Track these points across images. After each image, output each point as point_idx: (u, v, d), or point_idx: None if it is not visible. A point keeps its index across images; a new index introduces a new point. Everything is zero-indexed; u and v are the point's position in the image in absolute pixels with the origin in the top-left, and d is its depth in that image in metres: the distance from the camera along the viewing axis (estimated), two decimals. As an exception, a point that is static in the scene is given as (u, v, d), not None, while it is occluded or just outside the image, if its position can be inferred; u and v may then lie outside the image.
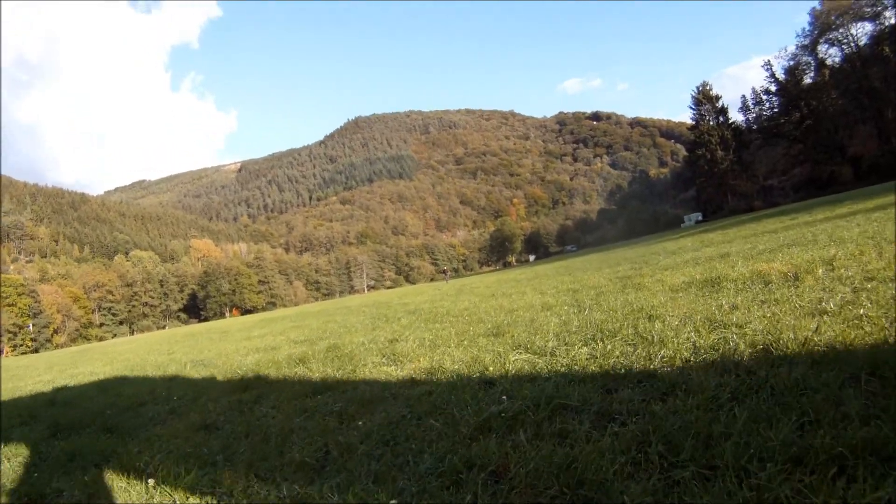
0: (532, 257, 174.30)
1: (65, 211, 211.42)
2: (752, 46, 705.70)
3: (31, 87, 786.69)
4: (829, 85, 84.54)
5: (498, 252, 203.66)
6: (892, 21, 76.45)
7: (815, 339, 4.03)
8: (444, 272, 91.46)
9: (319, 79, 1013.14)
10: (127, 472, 4.39)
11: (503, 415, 3.71)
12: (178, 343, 26.96)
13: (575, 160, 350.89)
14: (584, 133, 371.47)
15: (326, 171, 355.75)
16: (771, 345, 4.11)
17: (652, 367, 4.23)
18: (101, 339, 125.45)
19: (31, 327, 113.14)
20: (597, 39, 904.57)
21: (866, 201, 22.39)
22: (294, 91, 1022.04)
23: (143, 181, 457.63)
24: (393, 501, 2.94)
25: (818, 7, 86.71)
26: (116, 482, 4.21)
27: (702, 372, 3.80)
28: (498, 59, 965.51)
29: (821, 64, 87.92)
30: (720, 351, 4.28)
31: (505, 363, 5.36)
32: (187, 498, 3.65)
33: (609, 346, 5.17)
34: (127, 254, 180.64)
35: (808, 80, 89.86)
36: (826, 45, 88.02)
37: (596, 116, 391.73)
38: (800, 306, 5.36)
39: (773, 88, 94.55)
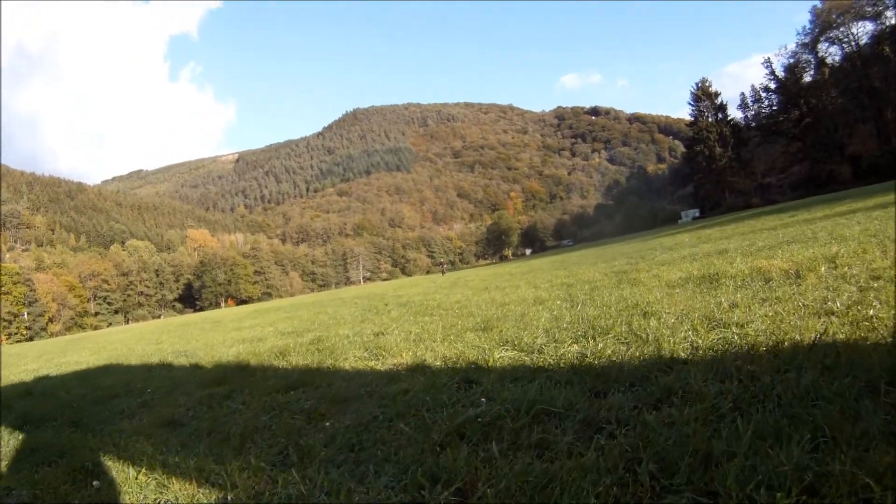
0: (528, 251, 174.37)
1: (61, 200, 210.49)
2: (753, 44, 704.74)
3: (30, 77, 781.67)
4: (829, 83, 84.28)
5: (494, 245, 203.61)
6: (893, 21, 76.28)
7: (824, 341, 3.71)
8: (441, 265, 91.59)
9: (318, 70, 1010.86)
10: (75, 472, 4.10)
11: (479, 420, 3.38)
12: (168, 333, 26.61)
13: (573, 155, 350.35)
14: (583, 128, 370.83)
15: (324, 163, 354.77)
16: (776, 347, 3.80)
17: (646, 368, 3.91)
18: (96, 328, 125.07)
19: (25, 316, 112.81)
20: (597, 35, 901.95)
21: (866, 200, 22.11)
22: (293, 82, 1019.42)
23: (141, 171, 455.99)
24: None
25: (819, 5, 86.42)
26: (61, 484, 3.89)
27: (700, 376, 3.46)
28: (497, 53, 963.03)
29: (821, 62, 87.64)
30: (720, 352, 3.95)
31: (489, 361, 5.06)
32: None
33: (601, 345, 4.86)
34: (123, 243, 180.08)
35: (807, 78, 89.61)
36: (826, 44, 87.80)
37: (594, 111, 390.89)
38: (804, 305, 5.06)
39: (772, 86, 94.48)
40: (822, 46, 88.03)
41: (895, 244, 7.66)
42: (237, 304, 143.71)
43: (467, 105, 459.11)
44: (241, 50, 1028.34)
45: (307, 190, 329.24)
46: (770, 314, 4.90)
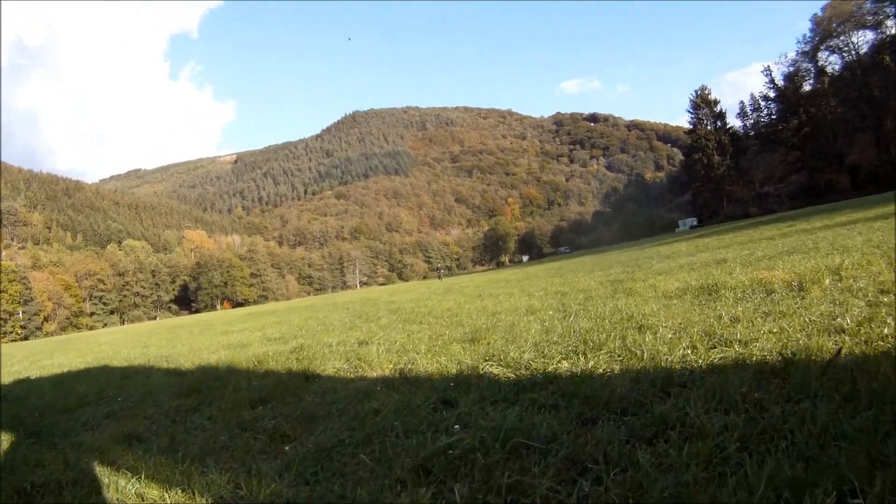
0: (525, 257, 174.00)
1: (59, 198, 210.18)
2: (752, 53, 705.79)
3: (29, 74, 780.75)
4: (829, 92, 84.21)
5: (491, 251, 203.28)
6: (894, 30, 76.23)
7: (837, 363, 3.35)
8: (438, 270, 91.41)
9: (318, 72, 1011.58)
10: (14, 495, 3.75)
11: (450, 452, 3.00)
12: (158, 336, 26.34)
13: (571, 161, 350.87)
14: (581, 134, 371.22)
15: (322, 165, 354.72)
16: (784, 370, 3.45)
17: (640, 392, 3.55)
18: (91, 328, 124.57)
19: (20, 314, 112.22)
20: (597, 41, 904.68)
21: (866, 210, 21.83)
22: (292, 84, 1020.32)
23: (139, 170, 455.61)
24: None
25: (819, 14, 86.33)
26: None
27: (701, 404, 3.09)
28: (497, 58, 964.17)
29: (821, 71, 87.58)
30: (722, 375, 3.57)
31: (471, 378, 4.69)
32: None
33: (591, 363, 4.50)
34: (120, 243, 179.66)
35: (807, 87, 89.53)
36: (826, 53, 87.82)
37: (593, 118, 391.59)
38: (810, 321, 4.71)
39: (772, 94, 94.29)
40: (822, 55, 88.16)
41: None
42: (233, 307, 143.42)
43: (466, 109, 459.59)
44: (242, 50, 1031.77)
45: (305, 192, 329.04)
46: (775, 330, 4.56)
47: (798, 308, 5.37)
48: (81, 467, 4.16)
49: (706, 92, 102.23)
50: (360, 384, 5.37)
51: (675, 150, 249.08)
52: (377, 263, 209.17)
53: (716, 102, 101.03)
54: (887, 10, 75.52)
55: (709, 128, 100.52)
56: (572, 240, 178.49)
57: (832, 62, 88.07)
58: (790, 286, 6.74)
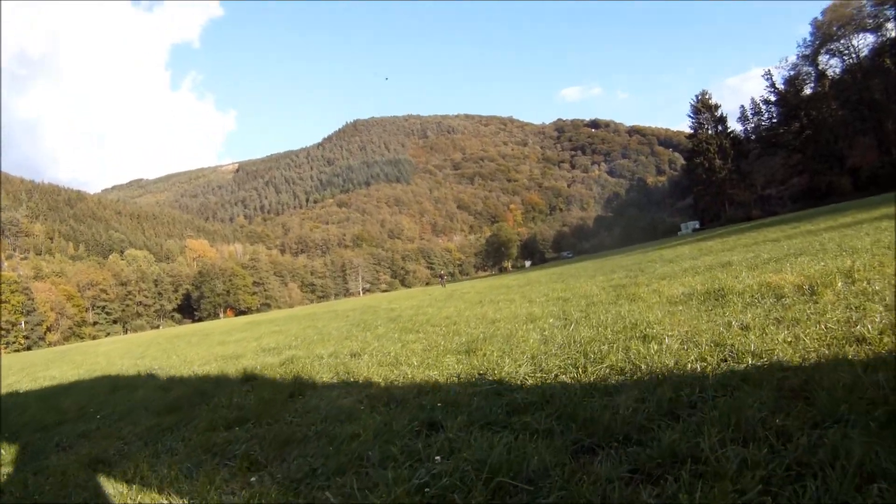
0: (528, 263, 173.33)
1: (61, 208, 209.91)
2: (753, 58, 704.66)
3: (31, 84, 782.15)
4: (830, 95, 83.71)
5: (494, 257, 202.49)
6: (894, 33, 75.83)
7: (863, 381, 2.99)
8: (441, 276, 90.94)
9: (319, 81, 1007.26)
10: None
11: (426, 491, 2.65)
12: (156, 346, 26.04)
13: (573, 167, 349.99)
14: (583, 140, 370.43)
15: (324, 174, 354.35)
16: (805, 387, 3.09)
17: (645, 414, 3.18)
18: (94, 338, 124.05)
19: (23, 325, 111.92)
20: (598, 49, 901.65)
21: (870, 211, 21.45)
22: (293, 93, 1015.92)
23: (141, 180, 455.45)
24: None
25: (820, 18, 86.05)
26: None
27: (714, 431, 2.70)
28: (498, 66, 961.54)
29: (821, 74, 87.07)
30: (736, 395, 3.20)
31: (461, 396, 4.34)
32: None
33: (593, 377, 4.15)
34: (122, 252, 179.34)
35: (808, 90, 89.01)
36: (827, 56, 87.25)
37: (594, 124, 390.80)
38: (826, 329, 4.38)
39: (772, 98, 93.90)
40: (822, 59, 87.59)
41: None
42: (236, 315, 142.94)
43: (467, 117, 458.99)
44: (243, 59, 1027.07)
45: (307, 201, 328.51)
46: (789, 339, 4.22)
47: (812, 314, 5.04)
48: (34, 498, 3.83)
49: (707, 96, 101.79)
50: (345, 402, 5.03)
51: (677, 154, 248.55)
52: (380, 270, 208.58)
53: (716, 107, 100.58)
54: (887, 12, 75.15)
55: (710, 132, 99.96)
56: (574, 245, 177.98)
57: (833, 65, 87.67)
58: (801, 290, 6.41)
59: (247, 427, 4.83)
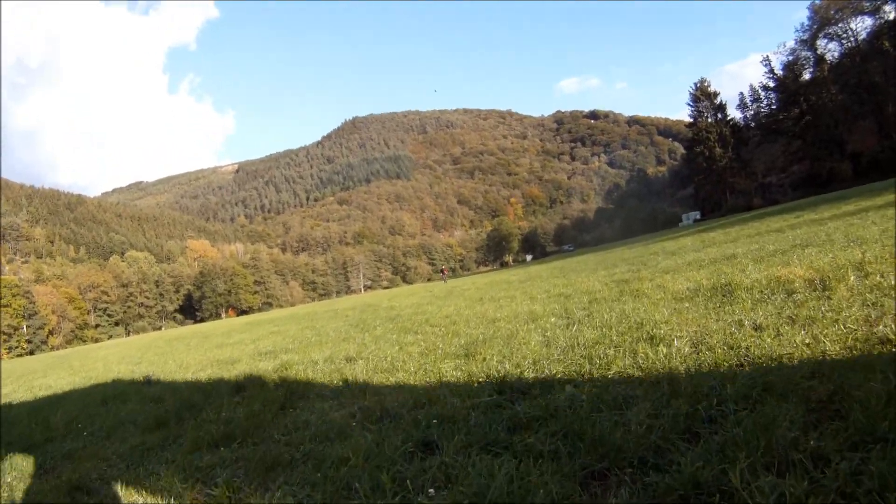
0: (529, 257, 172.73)
1: (61, 212, 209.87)
2: (750, 44, 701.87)
3: (29, 90, 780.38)
4: (829, 80, 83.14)
5: (495, 252, 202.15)
6: (892, 15, 75.22)
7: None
8: (443, 272, 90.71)
9: (317, 79, 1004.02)
10: None
11: None
12: (154, 350, 25.85)
13: (572, 159, 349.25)
14: (582, 132, 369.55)
15: (324, 172, 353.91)
16: (833, 397, 2.80)
17: (661, 432, 2.89)
18: (96, 341, 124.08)
19: (25, 329, 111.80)
20: (595, 39, 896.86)
21: (873, 198, 21.07)
22: (291, 92, 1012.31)
23: (141, 182, 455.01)
24: None
25: (818, 2, 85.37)
26: None
27: (742, 456, 2.37)
28: (495, 59, 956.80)
29: (820, 59, 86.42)
30: (759, 408, 2.90)
31: (457, 413, 4.05)
32: None
33: (599, 387, 3.87)
34: (123, 254, 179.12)
35: (807, 75, 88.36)
36: (825, 40, 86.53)
37: (593, 115, 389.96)
38: (845, 329, 4.10)
39: (771, 84, 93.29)
40: (820, 43, 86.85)
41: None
42: (238, 315, 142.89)
43: (466, 111, 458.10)
44: (240, 60, 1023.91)
45: (307, 199, 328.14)
46: (807, 341, 3.94)
47: (826, 311, 4.77)
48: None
49: (706, 84, 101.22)
50: (337, 416, 4.76)
51: (677, 144, 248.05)
52: (381, 267, 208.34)
53: (715, 95, 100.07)
54: (885, -6, 74.74)
55: (709, 120, 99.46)
56: (575, 237, 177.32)
57: (831, 49, 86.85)
58: (812, 284, 6.14)
59: (234, 446, 4.59)
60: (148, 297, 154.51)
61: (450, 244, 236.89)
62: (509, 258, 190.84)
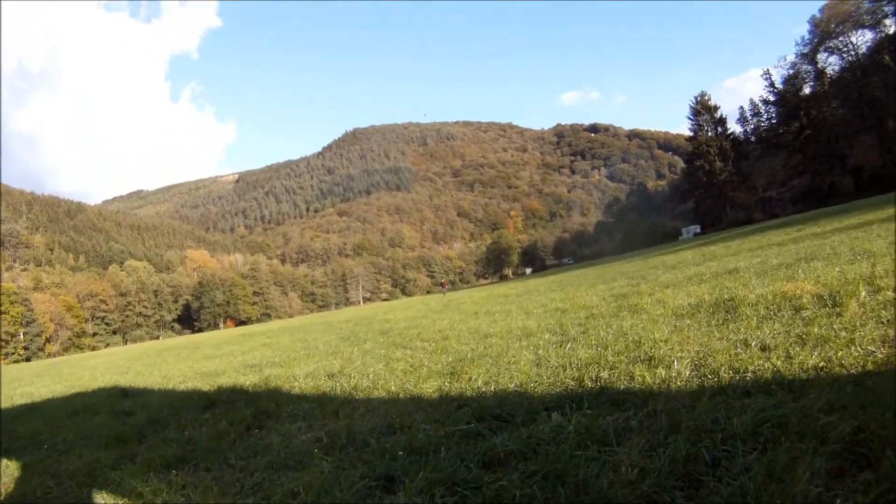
0: (529, 270, 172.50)
1: (61, 220, 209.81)
2: (750, 59, 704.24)
3: (30, 97, 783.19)
4: (829, 94, 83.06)
5: (495, 265, 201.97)
6: (893, 29, 75.27)
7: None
8: (442, 285, 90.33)
9: (318, 90, 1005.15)
10: None
11: None
12: (143, 360, 25.46)
13: (573, 172, 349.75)
14: (582, 145, 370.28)
15: (324, 183, 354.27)
16: (856, 436, 2.39)
17: (656, 478, 2.48)
18: (94, 349, 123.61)
19: (21, 336, 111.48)
20: (595, 53, 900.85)
21: (876, 212, 20.77)
22: (293, 102, 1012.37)
23: (141, 191, 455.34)
24: None
25: (818, 15, 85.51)
26: None
27: None
28: (496, 72, 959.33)
29: (820, 73, 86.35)
30: (773, 453, 2.47)
31: (428, 442, 3.64)
32: None
33: (588, 417, 3.46)
34: (122, 263, 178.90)
35: (807, 89, 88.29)
36: (826, 54, 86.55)
37: (594, 128, 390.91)
38: (862, 350, 3.71)
39: (772, 98, 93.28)
40: (821, 57, 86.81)
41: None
42: (236, 325, 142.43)
43: (466, 124, 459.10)
44: (242, 70, 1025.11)
45: (307, 210, 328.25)
46: (821, 363, 3.55)
47: (839, 330, 4.38)
48: None
49: (706, 98, 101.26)
50: (302, 440, 4.37)
51: (677, 158, 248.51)
52: (380, 279, 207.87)
53: (716, 108, 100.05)
54: (885, 8, 74.67)
55: (709, 134, 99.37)
56: (575, 251, 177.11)
57: (832, 63, 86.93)
58: (821, 300, 5.76)
59: (184, 471, 4.23)
60: (146, 307, 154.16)
61: (449, 257, 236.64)
62: (509, 271, 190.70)
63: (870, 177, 70.55)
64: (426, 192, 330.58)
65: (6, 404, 13.55)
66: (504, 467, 3.00)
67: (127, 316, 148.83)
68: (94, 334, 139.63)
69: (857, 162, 77.05)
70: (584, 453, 2.92)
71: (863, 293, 5.57)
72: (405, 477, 3.12)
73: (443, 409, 4.44)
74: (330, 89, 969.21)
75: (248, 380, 9.08)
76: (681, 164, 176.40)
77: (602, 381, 4.26)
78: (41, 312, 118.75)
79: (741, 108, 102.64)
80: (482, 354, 6.91)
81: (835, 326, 4.55)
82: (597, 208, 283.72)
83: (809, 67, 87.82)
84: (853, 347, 3.83)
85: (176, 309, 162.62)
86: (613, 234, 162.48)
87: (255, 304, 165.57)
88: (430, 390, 5.30)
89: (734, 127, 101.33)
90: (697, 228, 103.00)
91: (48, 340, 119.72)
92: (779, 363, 3.79)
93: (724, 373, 3.79)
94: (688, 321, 6.34)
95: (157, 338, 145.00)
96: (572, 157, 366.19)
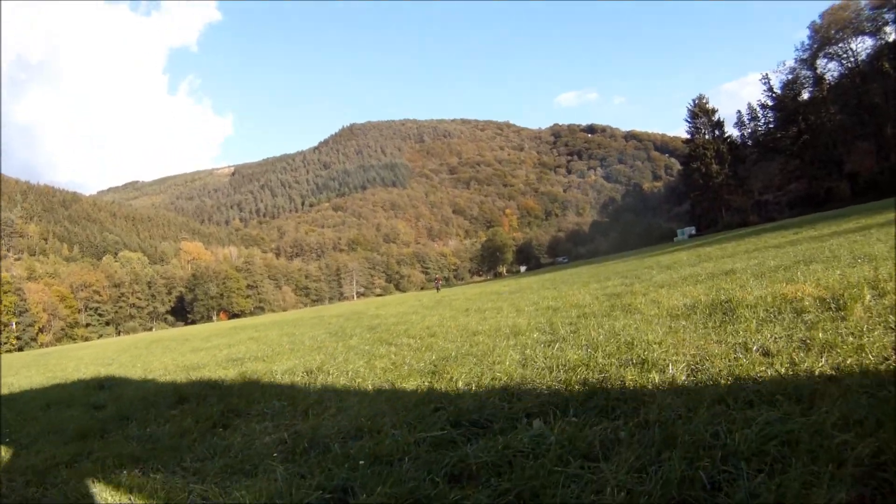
0: (523, 268, 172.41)
1: (55, 209, 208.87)
2: (749, 63, 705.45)
3: (29, 88, 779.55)
4: (828, 100, 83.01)
5: (489, 262, 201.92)
6: (893, 36, 75.28)
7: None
8: (436, 281, 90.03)
9: (316, 85, 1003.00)
10: None
11: None
12: (130, 352, 25.19)
13: (569, 172, 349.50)
14: (579, 145, 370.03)
15: (320, 178, 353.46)
16: (877, 459, 2.07)
17: (646, 498, 2.15)
18: (86, 339, 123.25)
19: (14, 326, 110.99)
20: (594, 54, 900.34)
21: (874, 216, 20.59)
22: (290, 97, 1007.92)
23: (137, 182, 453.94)
24: None
25: (818, 21, 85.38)
26: None
27: None
28: (495, 71, 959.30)
29: (819, 78, 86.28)
30: (783, 477, 2.14)
31: (393, 451, 3.33)
32: None
33: (572, 426, 3.14)
34: (116, 254, 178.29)
35: (806, 94, 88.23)
36: (825, 60, 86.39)
37: (591, 129, 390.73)
38: (874, 358, 3.42)
39: (770, 103, 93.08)
40: (820, 62, 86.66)
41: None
42: (229, 318, 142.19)
43: (464, 121, 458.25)
44: (240, 63, 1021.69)
45: (302, 204, 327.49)
46: (830, 373, 3.25)
47: (846, 335, 4.10)
48: None
49: (704, 101, 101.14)
50: (265, 441, 4.07)
51: (673, 160, 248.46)
52: (374, 275, 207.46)
53: (713, 111, 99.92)
54: (886, 16, 74.64)
55: (707, 137, 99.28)
56: (570, 250, 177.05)
57: (831, 70, 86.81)
58: (824, 304, 5.48)
59: (134, 473, 3.93)
60: (140, 298, 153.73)
61: (444, 253, 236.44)
62: (503, 269, 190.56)
63: (866, 183, 70.52)
64: (422, 189, 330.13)
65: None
66: (474, 482, 2.68)
67: (120, 307, 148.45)
68: (88, 325, 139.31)
69: (854, 168, 76.95)
70: (565, 470, 2.59)
71: (868, 297, 5.31)
72: (362, 491, 2.80)
73: (418, 411, 4.12)
74: (328, 86, 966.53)
75: (227, 374, 8.83)
76: (677, 166, 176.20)
77: (590, 385, 3.95)
78: (34, 302, 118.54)
79: (739, 111, 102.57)
80: (467, 353, 6.62)
81: (841, 331, 4.27)
82: (592, 208, 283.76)
83: (809, 73, 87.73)
84: (863, 354, 3.54)
85: (169, 301, 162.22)
86: (609, 234, 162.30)
87: (248, 297, 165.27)
88: (409, 389, 5.00)
89: (732, 130, 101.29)
90: (693, 230, 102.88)
91: (41, 330, 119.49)
92: (782, 370, 3.49)
93: (723, 379, 3.49)
94: (683, 322, 6.06)
95: (151, 329, 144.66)
96: (569, 157, 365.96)
